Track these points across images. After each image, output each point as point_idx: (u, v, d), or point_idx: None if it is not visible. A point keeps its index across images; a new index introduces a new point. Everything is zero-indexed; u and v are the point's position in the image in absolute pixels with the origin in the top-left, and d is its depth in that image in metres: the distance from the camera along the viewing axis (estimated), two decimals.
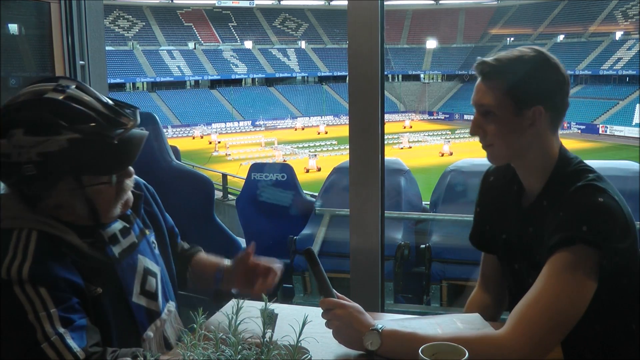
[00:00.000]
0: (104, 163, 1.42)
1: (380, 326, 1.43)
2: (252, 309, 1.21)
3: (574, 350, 1.44)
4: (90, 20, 2.99)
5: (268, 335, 1.21)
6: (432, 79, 53.74)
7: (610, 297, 1.42)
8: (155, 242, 1.67)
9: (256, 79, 51.56)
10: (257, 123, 43.30)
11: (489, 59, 1.50)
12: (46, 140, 1.34)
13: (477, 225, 1.75)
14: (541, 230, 1.47)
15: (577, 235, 1.35)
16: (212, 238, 3.47)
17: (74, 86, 1.43)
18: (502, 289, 1.75)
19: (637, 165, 3.52)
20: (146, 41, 49.77)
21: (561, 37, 48.30)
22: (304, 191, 4.59)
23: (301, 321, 1.17)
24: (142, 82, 47.88)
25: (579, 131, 37.17)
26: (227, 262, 1.81)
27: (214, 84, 49.58)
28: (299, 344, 1.17)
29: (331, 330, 1.49)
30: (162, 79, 47.68)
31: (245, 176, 4.65)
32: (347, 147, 2.36)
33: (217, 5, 53.34)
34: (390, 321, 1.63)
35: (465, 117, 44.59)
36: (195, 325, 1.16)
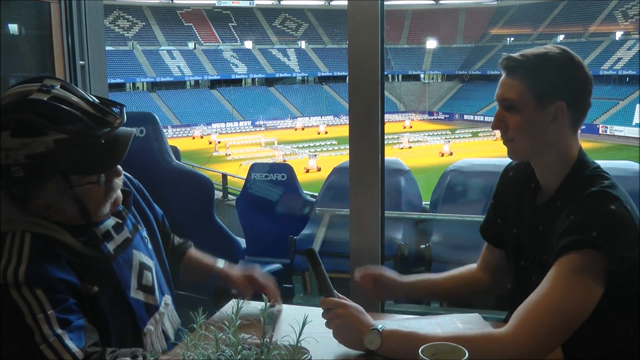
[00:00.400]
0: (92, 162, 1.42)
1: (380, 326, 1.43)
2: (252, 309, 1.21)
3: (574, 352, 1.44)
4: (90, 20, 2.99)
5: (268, 335, 1.21)
6: (432, 79, 53.73)
7: (613, 304, 1.41)
8: (147, 237, 1.67)
9: (256, 79, 51.55)
10: (257, 123, 43.29)
11: (514, 54, 1.52)
12: (33, 142, 1.34)
13: (489, 218, 1.77)
14: (551, 229, 1.47)
15: (587, 240, 1.35)
16: (212, 238, 3.47)
17: (58, 86, 1.42)
18: (499, 274, 1.76)
19: (637, 165, 3.52)
20: (146, 41, 49.76)
21: (561, 37, 48.26)
22: (304, 191, 4.59)
23: (301, 321, 1.17)
24: (142, 82, 47.87)
25: (579, 131, 37.05)
26: (220, 263, 1.80)
27: (214, 84, 49.58)
28: (299, 344, 1.17)
29: (331, 330, 1.49)
30: (162, 79, 47.67)
31: (245, 176, 4.65)
32: (347, 147, 2.36)
33: (217, 5, 53.33)
34: (390, 321, 1.63)
35: (465, 117, 44.59)
36: (195, 325, 1.16)
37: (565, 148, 1.52)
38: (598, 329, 1.44)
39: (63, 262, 1.39)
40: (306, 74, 52.55)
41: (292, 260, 3.89)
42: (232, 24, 53.58)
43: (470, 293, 1.83)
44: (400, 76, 52.93)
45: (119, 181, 1.53)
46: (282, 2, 55.82)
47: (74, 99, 1.41)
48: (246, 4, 54.17)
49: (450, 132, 36.39)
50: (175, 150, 3.43)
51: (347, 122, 2.35)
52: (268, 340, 1.19)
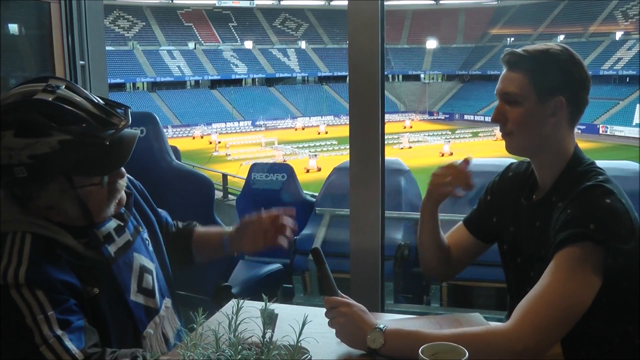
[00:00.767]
0: (96, 164, 1.41)
1: (383, 325, 1.44)
2: (252, 309, 1.21)
3: (572, 347, 1.45)
4: (90, 20, 2.99)
5: (268, 335, 1.21)
6: (432, 79, 53.73)
7: (611, 299, 1.43)
8: (148, 239, 1.67)
9: (256, 79, 51.55)
10: (257, 123, 43.29)
11: (517, 49, 1.55)
12: (37, 142, 1.34)
13: (481, 214, 1.78)
14: (548, 224, 1.49)
15: (585, 233, 1.37)
16: None
17: (63, 86, 1.42)
18: (458, 255, 1.82)
19: (637, 165, 3.52)
20: (146, 41, 49.77)
21: (561, 37, 48.23)
22: (304, 191, 4.59)
23: (301, 321, 1.17)
24: (142, 82, 47.87)
25: (579, 131, 36.73)
26: (228, 228, 1.81)
27: (214, 84, 49.58)
28: (299, 344, 1.17)
29: (331, 330, 1.50)
30: (162, 79, 47.67)
31: (245, 176, 4.65)
32: (347, 147, 2.36)
33: (217, 5, 53.33)
34: (391, 321, 1.63)
35: (466, 117, 44.59)
36: (195, 325, 1.16)
37: (562, 144, 1.55)
38: (596, 324, 1.45)
39: (63, 263, 1.39)
40: (306, 74, 52.55)
41: (292, 260, 3.89)
42: (232, 24, 53.58)
43: (442, 256, 1.83)
44: (400, 76, 52.93)
45: (122, 182, 1.52)
46: (282, 2, 55.82)
47: (79, 99, 1.41)
48: (246, 4, 54.17)
49: (450, 132, 36.38)
50: (175, 150, 3.43)
51: (347, 122, 2.35)
52: (268, 340, 1.19)
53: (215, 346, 1.14)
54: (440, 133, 36.61)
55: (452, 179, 1.70)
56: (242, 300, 1.21)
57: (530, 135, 1.54)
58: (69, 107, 1.38)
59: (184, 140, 35.01)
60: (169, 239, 1.79)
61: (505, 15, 53.34)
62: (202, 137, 38.02)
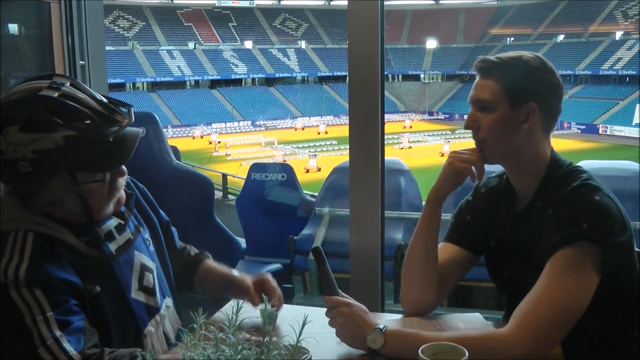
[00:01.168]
0: (99, 161, 1.42)
1: (383, 326, 1.44)
2: (252, 309, 1.21)
3: (573, 348, 1.44)
4: (90, 20, 2.99)
5: (268, 335, 1.20)
6: (432, 79, 53.74)
7: (610, 296, 1.44)
8: (149, 239, 1.67)
9: (256, 79, 51.55)
10: (257, 123, 43.29)
11: (489, 57, 1.55)
12: (41, 138, 1.34)
13: (463, 229, 1.72)
14: (538, 231, 1.49)
15: (579, 233, 1.38)
16: (212, 238, 3.48)
17: (68, 83, 1.43)
18: (447, 275, 1.67)
19: (637, 165, 3.52)
20: (146, 41, 49.77)
21: (561, 37, 48.29)
22: (304, 191, 4.59)
23: (301, 321, 1.17)
24: (142, 82, 47.87)
25: (579, 131, 37.17)
26: (235, 272, 1.79)
27: (214, 84, 49.58)
28: (299, 344, 1.17)
29: (331, 330, 1.50)
30: (162, 79, 47.68)
31: (245, 176, 4.66)
32: (347, 147, 2.37)
33: (217, 5, 53.33)
34: (391, 321, 1.63)
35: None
36: (195, 325, 1.16)
37: (537, 150, 1.55)
38: (597, 321, 1.45)
39: (65, 262, 1.39)
40: (306, 74, 52.54)
41: (292, 260, 3.89)
42: (232, 24, 53.59)
43: (430, 277, 1.67)
44: (400, 76, 52.94)
45: (122, 181, 1.53)
46: (282, 2, 55.83)
47: (83, 97, 1.42)
48: (246, 4, 54.18)
49: (450, 132, 36.37)
50: (175, 150, 3.44)
51: (347, 122, 2.35)
52: (268, 340, 1.19)
53: (215, 346, 1.14)
54: (440, 133, 36.63)
55: (474, 159, 1.58)
56: (242, 300, 1.21)
57: (503, 142, 1.54)
58: (73, 104, 1.39)
59: (184, 140, 35.02)
60: (174, 256, 1.78)
61: (505, 15, 53.36)
62: (202, 137, 38.04)
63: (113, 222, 1.54)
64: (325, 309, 1.53)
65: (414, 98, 50.89)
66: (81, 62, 2.97)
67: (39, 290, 1.32)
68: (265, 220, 4.36)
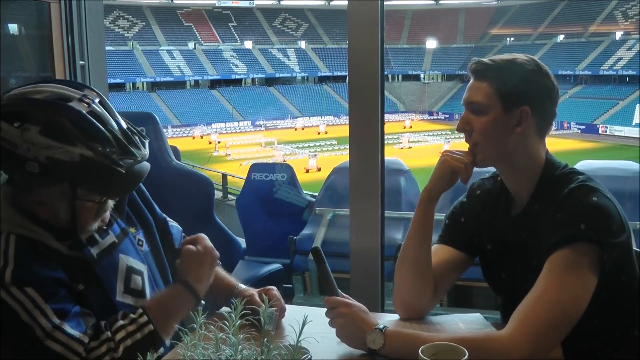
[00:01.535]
0: (104, 186, 1.43)
1: (383, 326, 1.44)
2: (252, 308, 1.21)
3: (574, 349, 1.44)
4: (90, 20, 2.99)
5: (268, 335, 1.20)
6: (432, 79, 53.72)
7: (610, 296, 1.44)
8: (143, 239, 1.66)
9: (256, 79, 51.54)
10: (257, 123, 43.28)
11: (483, 59, 1.54)
12: (59, 148, 1.35)
13: (457, 231, 1.70)
14: (536, 234, 1.48)
15: (576, 234, 1.37)
16: (212, 238, 3.47)
17: (97, 100, 1.43)
18: (442, 277, 1.66)
19: (637, 165, 3.53)
20: (146, 41, 49.76)
21: (561, 37, 48.27)
22: (304, 191, 4.59)
23: (301, 321, 1.17)
24: (142, 82, 47.86)
25: (579, 131, 37.18)
26: (241, 285, 1.78)
27: (214, 84, 49.57)
28: (299, 344, 1.17)
29: (331, 330, 1.49)
30: (162, 79, 47.67)
31: (245, 176, 4.66)
32: (347, 147, 2.37)
33: (217, 5, 53.31)
34: (391, 321, 1.63)
35: None
36: (195, 325, 1.16)
37: (531, 153, 1.53)
38: (597, 323, 1.45)
39: (49, 261, 1.40)
40: (306, 74, 52.53)
41: (292, 260, 3.89)
42: (232, 24, 53.58)
43: (424, 280, 1.64)
44: (400, 76, 52.93)
45: (111, 203, 1.53)
46: (282, 2, 55.82)
47: (109, 119, 1.42)
48: (246, 4, 54.16)
49: (450, 132, 36.28)
50: (175, 150, 3.44)
51: (347, 122, 2.36)
52: (268, 340, 1.19)
53: (215, 346, 1.14)
54: (440, 133, 36.60)
55: (467, 161, 1.57)
56: (242, 300, 1.21)
57: (495, 145, 1.53)
58: (99, 125, 1.39)
59: (184, 140, 34.99)
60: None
61: (505, 15, 53.34)
62: (201, 137, 38.01)
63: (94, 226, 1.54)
64: (325, 309, 1.52)
65: (414, 98, 50.88)
66: (81, 62, 2.97)
67: (29, 288, 1.33)
68: (265, 220, 4.36)
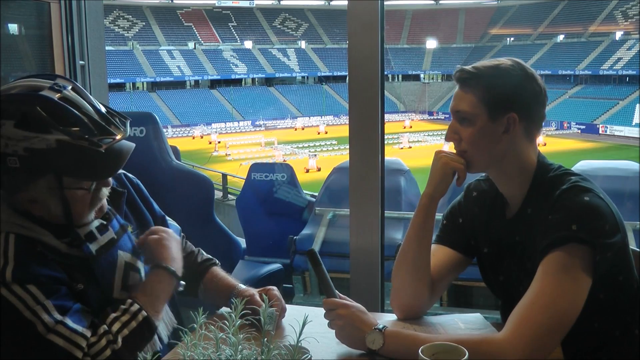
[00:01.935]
0: (88, 169, 1.43)
1: (382, 326, 1.43)
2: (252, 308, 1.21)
3: (574, 350, 1.44)
4: (90, 20, 2.99)
5: (268, 335, 1.20)
6: (432, 79, 53.72)
7: (609, 296, 1.44)
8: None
9: (256, 79, 51.54)
10: (257, 123, 43.28)
11: (467, 66, 1.52)
12: (35, 137, 1.35)
13: (455, 232, 1.70)
14: (530, 237, 1.48)
15: (568, 235, 1.36)
16: (212, 238, 3.48)
17: (70, 87, 1.43)
18: (439, 277, 1.65)
19: (637, 165, 3.53)
20: (146, 41, 49.77)
21: (561, 37, 48.27)
22: (304, 191, 4.59)
23: (301, 321, 1.17)
24: (142, 82, 47.86)
25: (579, 131, 37.18)
26: (242, 286, 1.78)
27: (214, 84, 49.58)
28: (299, 344, 1.17)
29: (332, 330, 1.49)
30: (162, 79, 47.67)
31: (245, 176, 4.66)
32: (347, 147, 2.36)
33: (217, 5, 53.32)
34: (391, 321, 1.63)
35: None
36: (195, 325, 1.16)
37: (522, 157, 1.52)
38: (597, 323, 1.45)
39: (48, 260, 1.40)
40: (306, 74, 52.53)
41: (292, 260, 3.89)
42: (232, 24, 53.59)
43: (423, 281, 1.64)
44: (400, 76, 52.94)
45: (106, 191, 1.53)
46: (282, 2, 55.82)
47: (83, 103, 1.42)
48: (246, 4, 54.17)
49: None
50: (175, 150, 3.43)
51: (347, 122, 2.35)
52: (268, 340, 1.19)
53: (215, 346, 1.14)
54: (440, 133, 36.53)
55: (463, 162, 1.55)
56: (242, 300, 1.21)
57: (484, 154, 1.52)
58: (71, 109, 1.39)
59: (184, 140, 35.01)
60: None
61: (505, 15, 53.35)
62: (201, 137, 38.01)
63: (94, 223, 1.53)
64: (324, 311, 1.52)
65: (414, 98, 50.88)
66: (81, 62, 2.97)
67: (31, 284, 1.34)
68: (265, 220, 4.36)
